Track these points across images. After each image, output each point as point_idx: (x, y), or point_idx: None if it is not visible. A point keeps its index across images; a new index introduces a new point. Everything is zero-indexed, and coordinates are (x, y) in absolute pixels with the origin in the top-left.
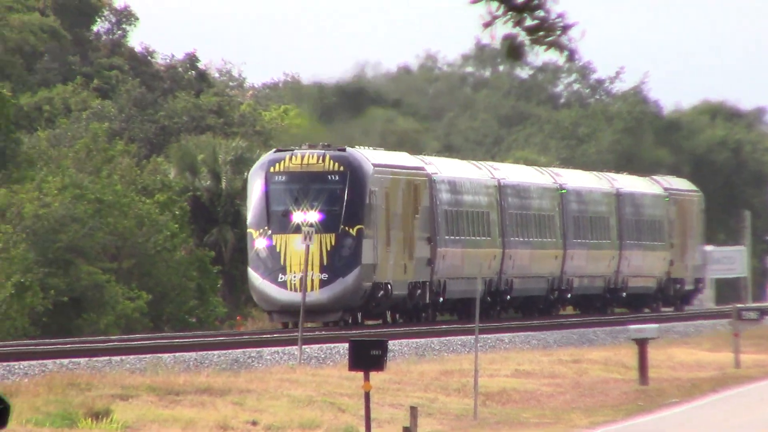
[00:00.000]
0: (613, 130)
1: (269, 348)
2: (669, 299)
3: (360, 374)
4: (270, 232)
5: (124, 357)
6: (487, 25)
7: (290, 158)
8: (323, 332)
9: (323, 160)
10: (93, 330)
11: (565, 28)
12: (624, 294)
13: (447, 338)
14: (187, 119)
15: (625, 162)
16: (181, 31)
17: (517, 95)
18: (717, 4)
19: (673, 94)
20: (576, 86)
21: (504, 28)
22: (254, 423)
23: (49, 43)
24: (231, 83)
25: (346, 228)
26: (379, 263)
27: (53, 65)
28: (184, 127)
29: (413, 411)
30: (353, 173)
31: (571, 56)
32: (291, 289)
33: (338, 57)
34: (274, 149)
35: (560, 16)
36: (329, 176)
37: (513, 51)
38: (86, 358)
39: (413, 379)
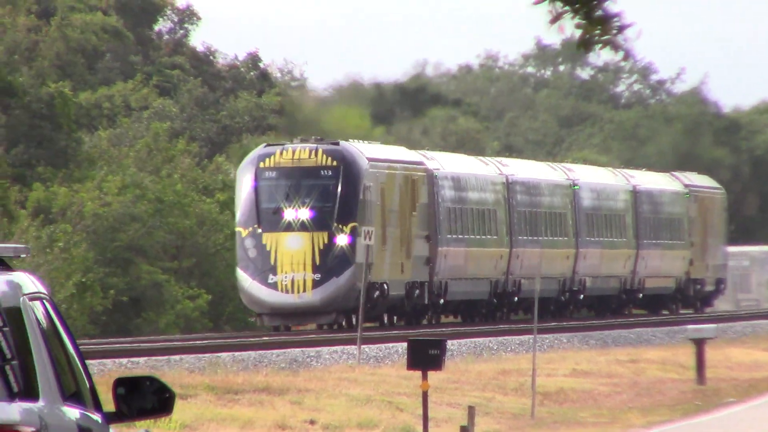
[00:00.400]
0: (672, 131)
1: (328, 347)
2: (689, 300)
3: (418, 373)
4: (260, 230)
5: (183, 356)
6: (554, 20)
7: (281, 153)
8: (382, 332)
9: (315, 155)
10: (152, 329)
11: (622, 28)
12: (641, 295)
13: (505, 338)
14: (249, 119)
15: (685, 162)
16: (243, 30)
17: (577, 95)
18: None
19: (733, 94)
20: (637, 87)
21: (571, 23)
22: (312, 422)
23: (111, 42)
24: (293, 83)
25: (340, 225)
26: (374, 262)
27: (115, 65)
28: (245, 126)
29: (470, 410)
30: (347, 168)
31: (627, 56)
32: (282, 291)
33: (399, 57)
34: (264, 144)
35: (617, 15)
36: (322, 171)
37: (585, 43)
38: (145, 358)
39: (471, 379)
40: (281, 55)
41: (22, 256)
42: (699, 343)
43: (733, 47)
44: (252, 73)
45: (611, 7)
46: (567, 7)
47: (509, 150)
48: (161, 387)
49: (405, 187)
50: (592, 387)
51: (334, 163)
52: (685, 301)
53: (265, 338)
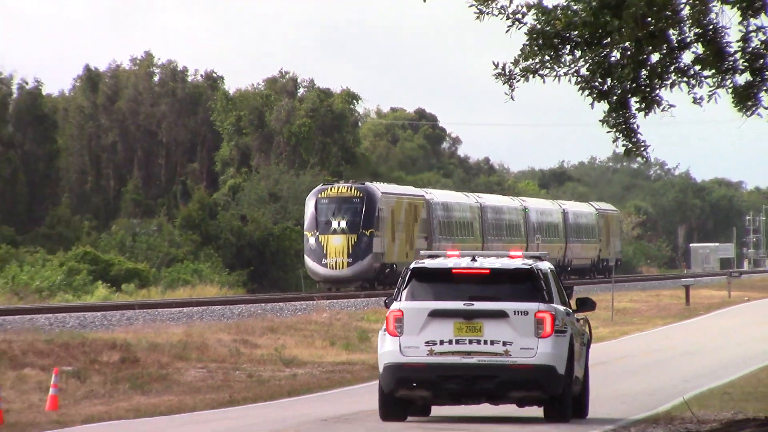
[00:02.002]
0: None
1: None
2: (600, 270)
3: None
4: (318, 233)
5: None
6: (615, 141)
7: (330, 189)
8: None
9: (350, 190)
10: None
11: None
12: (569, 268)
13: (591, 285)
14: None
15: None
16: None
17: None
18: None
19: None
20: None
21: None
22: None
23: None
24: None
25: (363, 231)
26: (386, 252)
27: None
28: None
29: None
30: (368, 197)
31: (647, 160)
32: (330, 268)
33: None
34: (321, 182)
35: (643, 143)
36: (353, 199)
37: (626, 152)
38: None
39: None
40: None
41: None
42: (687, 287)
43: None
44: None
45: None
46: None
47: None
48: None
49: (409, 209)
50: (638, 307)
51: (360, 194)
52: (599, 271)
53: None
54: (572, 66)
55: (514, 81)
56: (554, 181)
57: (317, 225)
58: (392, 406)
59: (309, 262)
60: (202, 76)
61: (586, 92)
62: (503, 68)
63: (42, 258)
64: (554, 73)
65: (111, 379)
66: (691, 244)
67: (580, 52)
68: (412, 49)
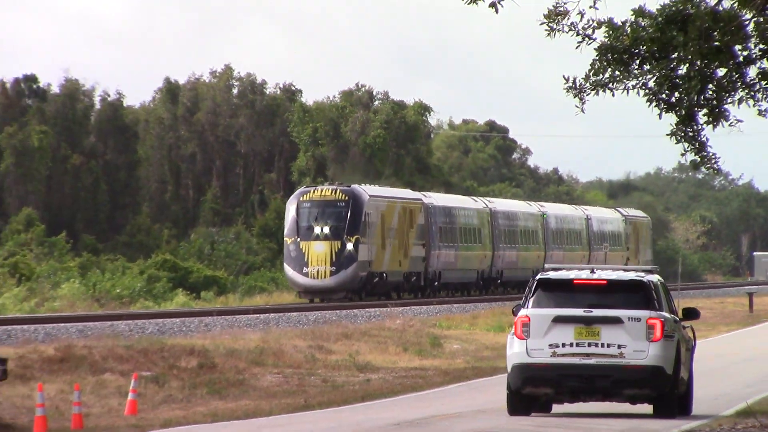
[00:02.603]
0: None
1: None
2: None
3: None
4: (298, 239)
5: None
6: (683, 154)
7: (313, 191)
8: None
9: (335, 193)
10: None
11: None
12: None
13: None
14: None
15: None
16: None
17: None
18: None
19: None
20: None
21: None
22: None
23: None
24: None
25: (348, 237)
26: (374, 260)
27: None
28: None
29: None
30: (354, 201)
31: (717, 172)
32: (311, 277)
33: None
34: (304, 185)
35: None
36: (338, 203)
37: (693, 166)
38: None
39: None
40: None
41: None
42: (750, 294)
43: None
44: None
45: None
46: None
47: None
48: None
49: (404, 214)
50: (703, 314)
51: (346, 197)
52: None
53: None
54: (640, 79)
55: (585, 95)
56: (621, 192)
57: (298, 230)
58: (519, 402)
59: (288, 270)
60: (280, 88)
61: (654, 104)
62: (574, 82)
63: (122, 266)
64: (623, 86)
65: (189, 384)
66: (754, 253)
67: (647, 66)
68: (484, 62)
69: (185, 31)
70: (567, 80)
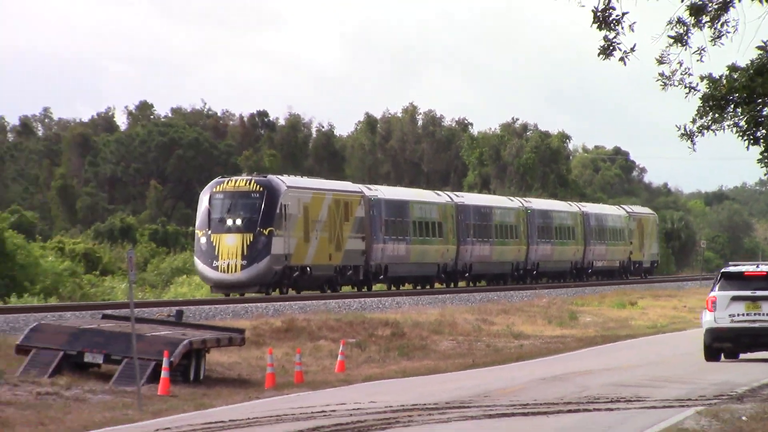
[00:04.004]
0: None
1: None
2: (633, 272)
3: None
4: (210, 232)
5: None
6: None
7: (227, 182)
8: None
9: (249, 184)
10: None
11: None
12: (590, 270)
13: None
14: None
15: None
16: None
17: None
18: None
19: None
20: None
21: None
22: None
23: None
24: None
25: (261, 229)
26: (294, 253)
27: None
28: None
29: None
30: (269, 192)
31: None
32: (221, 271)
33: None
34: (219, 176)
35: None
36: (252, 194)
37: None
38: None
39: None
40: None
41: None
42: None
43: None
44: None
45: None
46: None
47: None
48: None
49: (335, 206)
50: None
51: (260, 188)
52: (631, 273)
53: None
54: (733, 119)
55: (694, 137)
56: (715, 200)
57: (209, 223)
58: (710, 353)
59: (199, 264)
60: (455, 121)
61: (744, 139)
62: (685, 129)
63: None
64: (720, 126)
65: (384, 348)
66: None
67: (739, 109)
68: (612, 100)
69: (382, 75)
70: (679, 128)
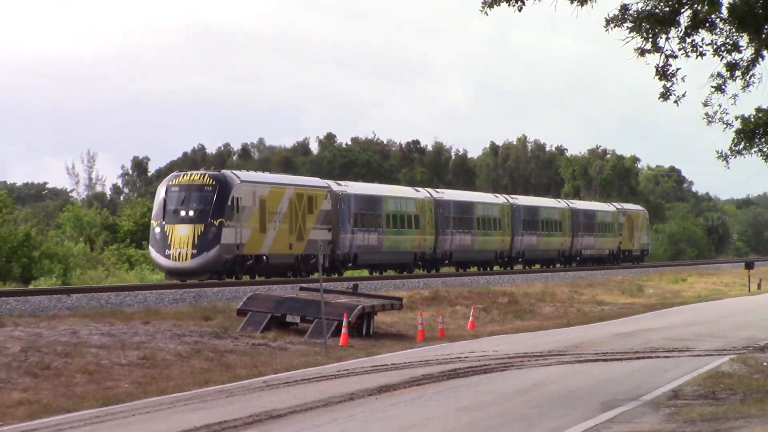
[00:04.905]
0: None
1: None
2: (625, 259)
3: None
4: (164, 222)
5: None
6: None
7: (183, 176)
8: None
9: (202, 178)
10: None
11: None
12: (578, 258)
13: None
14: None
15: None
16: None
17: None
18: None
19: None
20: None
21: None
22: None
23: None
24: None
25: (212, 220)
26: (247, 243)
27: None
28: None
29: None
30: (221, 185)
31: None
32: (173, 260)
33: None
34: (176, 171)
35: None
36: (205, 187)
37: None
38: None
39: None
40: None
41: None
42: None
43: None
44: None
45: None
46: None
47: None
48: None
49: (298, 200)
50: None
51: (213, 182)
52: (623, 260)
53: None
54: (759, 147)
55: (729, 160)
56: (743, 205)
57: (164, 214)
58: None
59: (153, 252)
60: (555, 147)
61: (766, 161)
62: (722, 152)
63: None
64: (749, 151)
65: (503, 312)
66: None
67: (764, 139)
68: (670, 130)
69: (502, 112)
70: (718, 153)
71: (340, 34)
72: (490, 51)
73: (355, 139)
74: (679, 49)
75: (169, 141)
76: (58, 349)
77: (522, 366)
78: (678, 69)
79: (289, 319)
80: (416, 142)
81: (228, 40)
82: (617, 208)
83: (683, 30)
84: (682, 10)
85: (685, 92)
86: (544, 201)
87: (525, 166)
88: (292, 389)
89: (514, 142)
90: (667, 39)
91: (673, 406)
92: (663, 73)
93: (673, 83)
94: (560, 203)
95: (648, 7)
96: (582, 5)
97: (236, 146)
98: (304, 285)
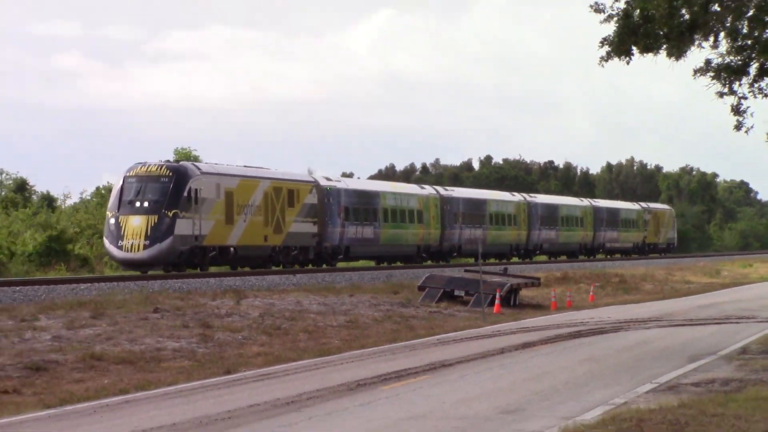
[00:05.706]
0: None
1: None
2: (650, 251)
3: None
4: (118, 213)
5: None
6: None
7: (140, 167)
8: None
9: (159, 169)
10: None
11: None
12: (601, 249)
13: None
14: None
15: None
16: None
17: None
18: None
19: None
20: None
21: None
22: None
23: None
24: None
25: (166, 212)
26: (207, 234)
27: None
28: None
29: None
30: (177, 177)
31: None
32: (125, 251)
33: None
34: (135, 162)
35: None
36: (161, 179)
37: None
38: None
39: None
40: None
41: None
42: None
43: None
44: None
45: None
46: None
47: None
48: None
49: (275, 193)
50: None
51: (170, 173)
52: (649, 252)
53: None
54: None
55: None
56: None
57: (119, 205)
58: None
59: (106, 243)
60: (654, 165)
61: None
62: None
63: None
64: None
65: (614, 288)
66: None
67: None
68: (742, 152)
69: (615, 138)
70: None
71: (498, 80)
72: (607, 92)
73: (506, 159)
74: (749, 92)
75: (368, 162)
76: (286, 315)
77: (629, 329)
78: (748, 107)
79: (456, 293)
80: (551, 162)
81: (413, 86)
82: (642, 207)
83: (752, 77)
84: (752, 63)
85: (753, 125)
86: (566, 200)
87: (632, 180)
88: (458, 345)
89: (624, 162)
90: (740, 84)
91: (742, 359)
92: (737, 110)
93: (744, 118)
94: (582, 202)
95: (725, 61)
96: (677, 60)
97: (418, 165)
98: (468, 268)
